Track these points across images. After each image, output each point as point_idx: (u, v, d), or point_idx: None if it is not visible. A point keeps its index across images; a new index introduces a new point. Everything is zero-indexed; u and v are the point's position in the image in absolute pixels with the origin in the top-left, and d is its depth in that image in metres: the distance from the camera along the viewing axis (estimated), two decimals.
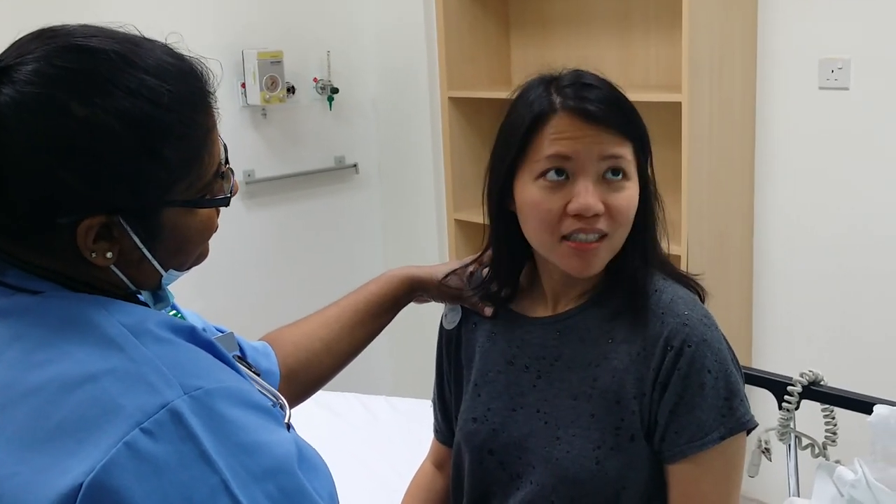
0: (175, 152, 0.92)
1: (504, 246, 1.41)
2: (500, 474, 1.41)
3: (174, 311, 1.21)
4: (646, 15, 3.17)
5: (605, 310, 1.35)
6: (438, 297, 1.52)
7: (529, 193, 1.29)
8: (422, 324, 2.98)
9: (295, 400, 1.45)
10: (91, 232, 0.90)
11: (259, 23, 3.57)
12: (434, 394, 1.61)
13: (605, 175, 1.27)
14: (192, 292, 3.42)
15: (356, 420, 2.76)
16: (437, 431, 1.63)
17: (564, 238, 1.27)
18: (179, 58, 0.97)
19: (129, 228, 0.92)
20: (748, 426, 1.30)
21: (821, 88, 2.79)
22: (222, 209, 1.04)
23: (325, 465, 1.03)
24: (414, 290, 1.51)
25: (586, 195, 1.25)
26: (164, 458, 0.81)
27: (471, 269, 1.53)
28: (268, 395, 1.04)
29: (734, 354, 1.34)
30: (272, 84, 3.48)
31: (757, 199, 3.00)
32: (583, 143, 1.26)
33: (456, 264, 1.54)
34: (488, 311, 1.46)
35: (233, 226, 3.58)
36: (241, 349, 1.34)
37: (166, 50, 0.97)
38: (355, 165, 3.94)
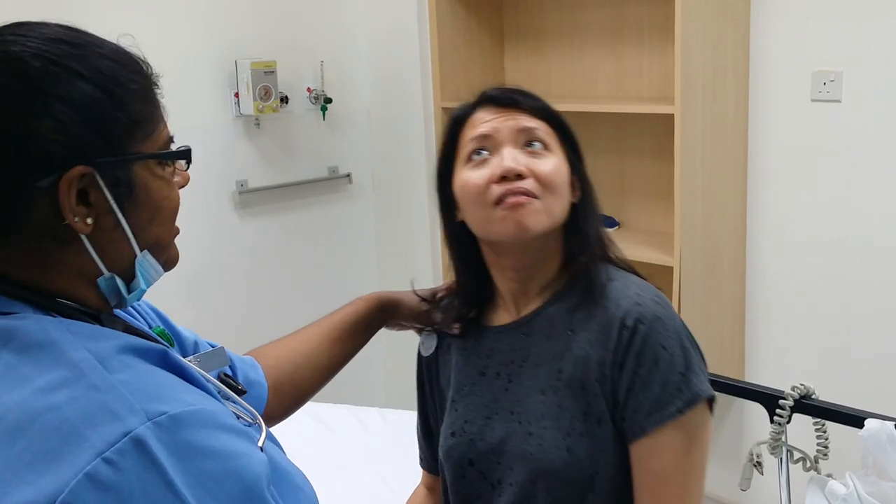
0: (135, 103, 0.96)
1: (462, 261, 1.47)
2: (482, 485, 1.43)
3: (160, 328, 1.20)
4: (639, 27, 3.18)
5: (564, 304, 1.39)
6: (408, 317, 1.57)
7: (461, 178, 1.37)
8: (415, 336, 2.98)
9: (283, 413, 1.46)
10: (73, 189, 0.91)
11: (253, 33, 3.57)
12: (417, 424, 1.64)
13: (526, 146, 1.36)
14: (183, 302, 3.42)
15: (347, 432, 2.75)
16: (422, 460, 1.66)
17: (497, 205, 1.32)
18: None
19: (104, 185, 0.93)
20: (705, 396, 1.32)
21: (813, 101, 2.79)
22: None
23: (310, 484, 1.02)
24: (384, 310, 1.56)
25: (508, 158, 1.33)
26: (127, 489, 0.79)
27: (440, 294, 1.57)
28: (244, 415, 1.03)
29: (690, 333, 1.37)
30: (265, 94, 3.48)
31: (749, 212, 3.00)
32: (500, 121, 1.36)
33: (426, 291, 1.59)
34: (456, 328, 1.49)
35: (225, 236, 3.58)
36: (231, 363, 1.34)
37: None
38: (349, 175, 3.94)
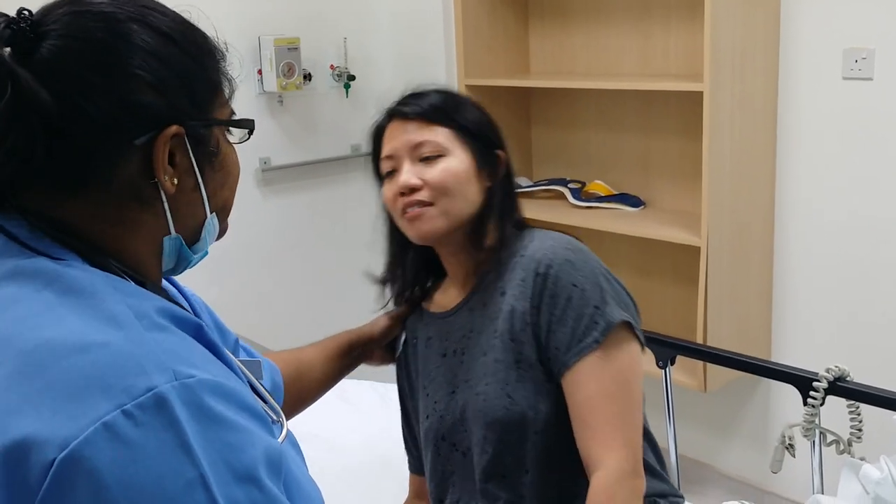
0: (212, 68, 1.01)
1: (405, 249, 1.65)
2: (455, 457, 1.57)
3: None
4: (666, 4, 3.13)
5: (494, 273, 1.55)
6: (382, 330, 1.74)
7: (383, 191, 1.58)
8: None
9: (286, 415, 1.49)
10: (166, 148, 0.94)
11: (276, 9, 3.55)
12: (402, 429, 1.80)
13: (421, 160, 1.53)
14: (207, 280, 3.40)
15: (369, 408, 2.74)
16: (411, 464, 1.81)
17: (404, 215, 1.53)
18: None
19: (189, 147, 0.97)
20: (617, 320, 1.43)
21: (844, 79, 2.74)
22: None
23: (321, 497, 1.02)
24: (361, 337, 1.73)
25: (404, 174, 1.53)
26: (142, 444, 0.77)
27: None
28: (269, 412, 1.01)
29: (609, 272, 1.50)
30: (289, 71, 3.46)
31: (778, 191, 2.96)
32: (400, 140, 1.55)
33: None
34: (418, 296, 1.69)
35: (248, 213, 3.57)
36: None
37: None
38: None
